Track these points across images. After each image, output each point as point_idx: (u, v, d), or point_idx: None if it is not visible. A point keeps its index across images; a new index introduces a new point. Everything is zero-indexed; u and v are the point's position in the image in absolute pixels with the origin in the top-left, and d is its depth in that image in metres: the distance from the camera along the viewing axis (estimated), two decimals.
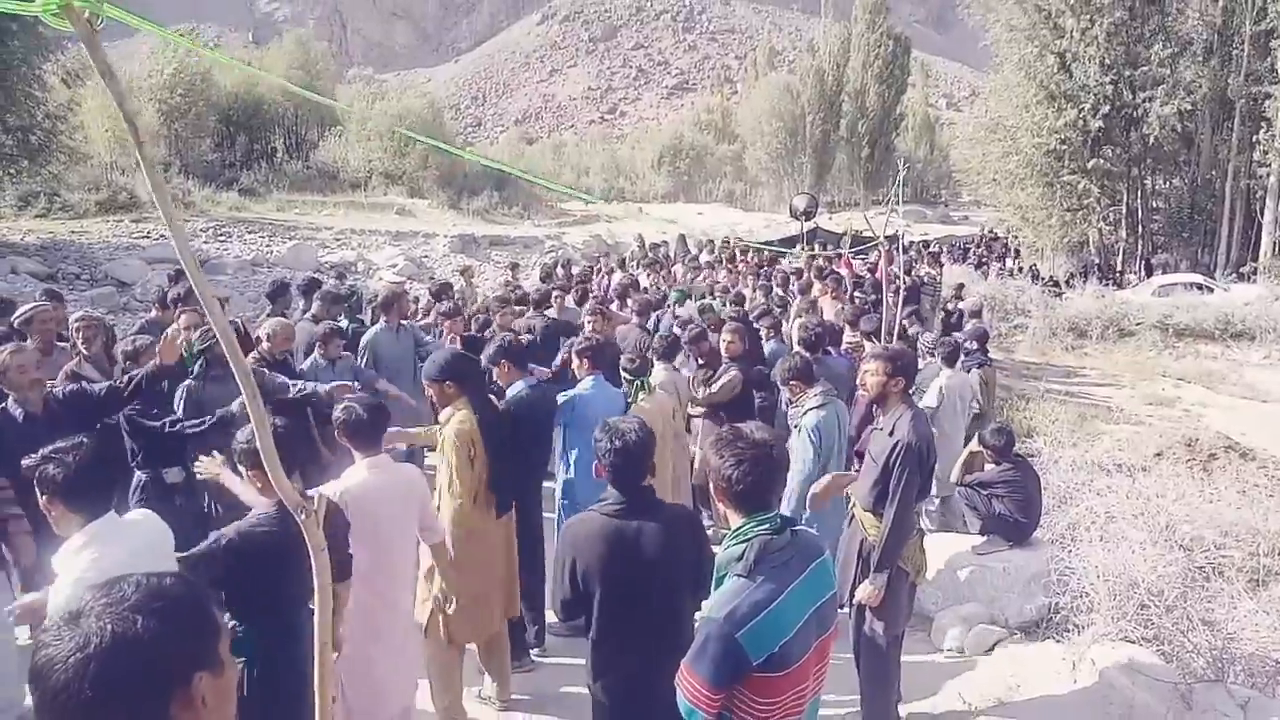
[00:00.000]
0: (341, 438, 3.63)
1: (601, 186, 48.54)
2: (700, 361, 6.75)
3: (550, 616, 5.18)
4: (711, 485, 2.50)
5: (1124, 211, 27.35)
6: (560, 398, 5.07)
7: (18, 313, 5.79)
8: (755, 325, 7.90)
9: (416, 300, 10.62)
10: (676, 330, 7.32)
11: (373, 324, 7.33)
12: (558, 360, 6.77)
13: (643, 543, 2.90)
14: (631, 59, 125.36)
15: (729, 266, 14.70)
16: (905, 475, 3.86)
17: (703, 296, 10.45)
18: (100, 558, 2.44)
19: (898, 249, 13.28)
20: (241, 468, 3.06)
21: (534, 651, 4.95)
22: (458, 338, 6.97)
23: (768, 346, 7.68)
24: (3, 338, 4.88)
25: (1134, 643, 4.53)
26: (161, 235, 21.54)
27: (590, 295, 10.10)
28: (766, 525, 2.37)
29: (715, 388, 6.36)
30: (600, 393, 5.20)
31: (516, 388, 4.91)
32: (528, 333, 7.48)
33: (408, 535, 3.74)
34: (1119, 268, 27.12)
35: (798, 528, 2.49)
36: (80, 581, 2.37)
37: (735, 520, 2.44)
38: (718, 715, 2.33)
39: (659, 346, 6.22)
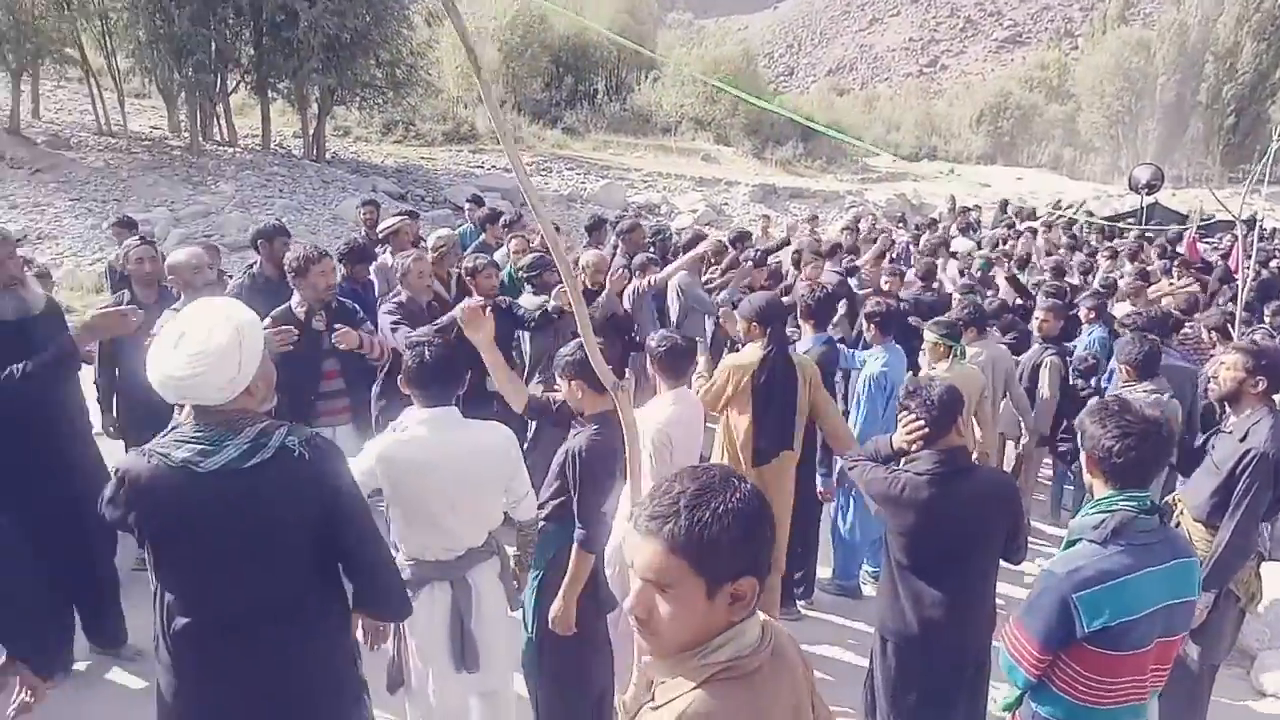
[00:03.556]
0: (653, 366, 3.84)
1: (912, 144, 46.27)
2: (1005, 340, 6.31)
3: (822, 571, 5.20)
4: (1085, 453, 2.39)
5: None
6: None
7: (384, 225, 6.64)
8: (1074, 304, 7.25)
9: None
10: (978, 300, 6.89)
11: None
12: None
13: (955, 505, 2.86)
14: (960, 8, 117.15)
15: (1046, 236, 13.53)
16: (1254, 488, 3.42)
17: (1022, 267, 9.71)
18: (426, 439, 2.79)
19: (1255, 234, 11.54)
20: (563, 380, 3.32)
21: (800, 604, 5.00)
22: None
23: (1091, 330, 7.02)
24: (364, 247, 5.62)
25: None
26: (494, 166, 23.61)
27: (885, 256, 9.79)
28: (1135, 503, 2.28)
29: (1042, 386, 5.88)
30: (890, 358, 5.07)
31: (810, 342, 4.91)
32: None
33: (695, 455, 3.94)
34: None
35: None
36: (396, 440, 2.74)
37: (1101, 491, 2.35)
38: (1038, 679, 2.29)
39: (965, 316, 5.89)
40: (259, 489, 2.07)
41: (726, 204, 23.88)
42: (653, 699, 1.40)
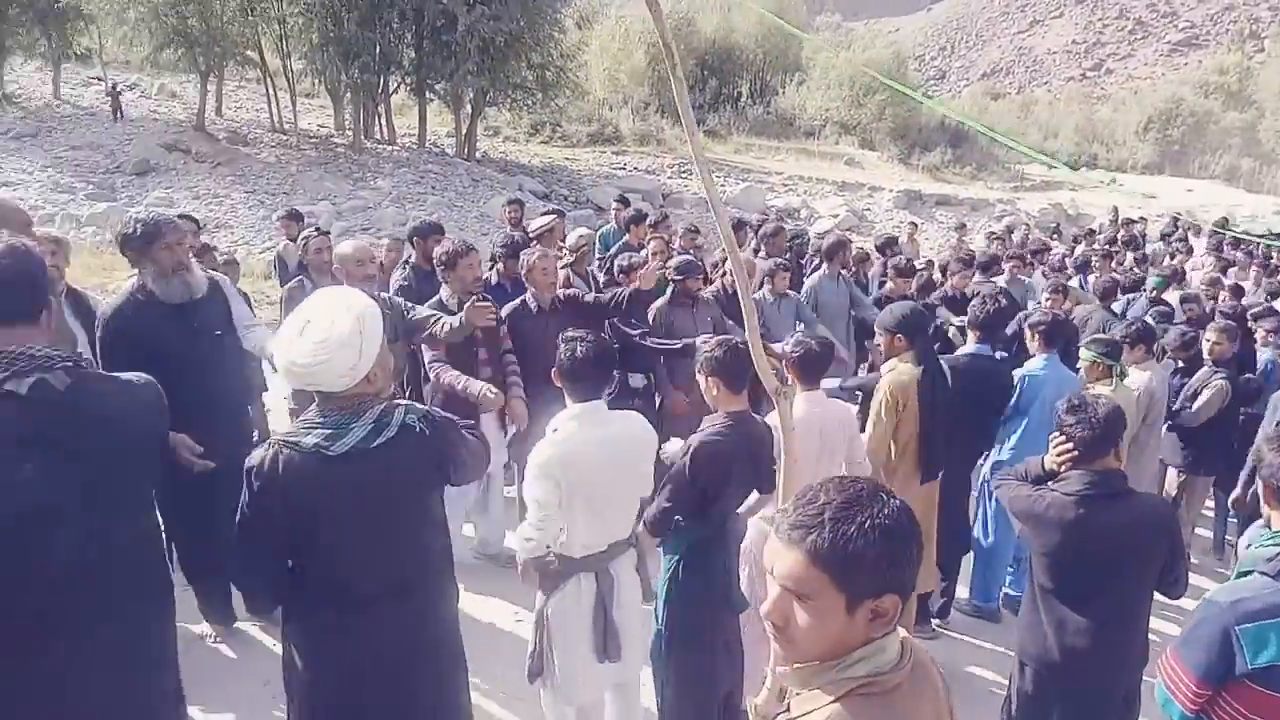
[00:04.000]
0: (790, 369, 3.82)
1: (1071, 151, 43.96)
2: (1179, 364, 5.93)
3: (961, 591, 5.04)
4: (1262, 482, 2.27)
5: None
6: (1017, 374, 4.83)
7: (535, 224, 6.85)
8: (1251, 326, 6.74)
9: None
10: (1150, 320, 6.48)
11: (814, 270, 7.52)
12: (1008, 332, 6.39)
13: (1105, 528, 2.73)
14: (1130, 9, 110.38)
15: (1217, 255, 12.60)
16: None
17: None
18: (577, 433, 2.86)
19: None
20: (702, 376, 3.35)
21: (935, 622, 4.86)
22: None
23: (1263, 354, 6.52)
24: (521, 244, 5.80)
25: None
26: (636, 168, 23.92)
27: (1045, 266, 9.35)
28: None
29: (1199, 404, 5.53)
30: (1053, 373, 4.83)
31: (967, 354, 4.76)
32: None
33: (833, 469, 3.85)
34: None
35: None
36: (555, 445, 2.83)
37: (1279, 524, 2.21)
38: (1195, 715, 2.15)
39: (1129, 333, 5.56)
40: (387, 467, 2.17)
41: (869, 210, 23.37)
42: (788, 709, 1.39)
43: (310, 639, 2.28)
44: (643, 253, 6.57)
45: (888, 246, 9.29)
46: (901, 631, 1.39)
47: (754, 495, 3.40)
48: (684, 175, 24.10)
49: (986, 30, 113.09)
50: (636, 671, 3.25)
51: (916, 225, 15.20)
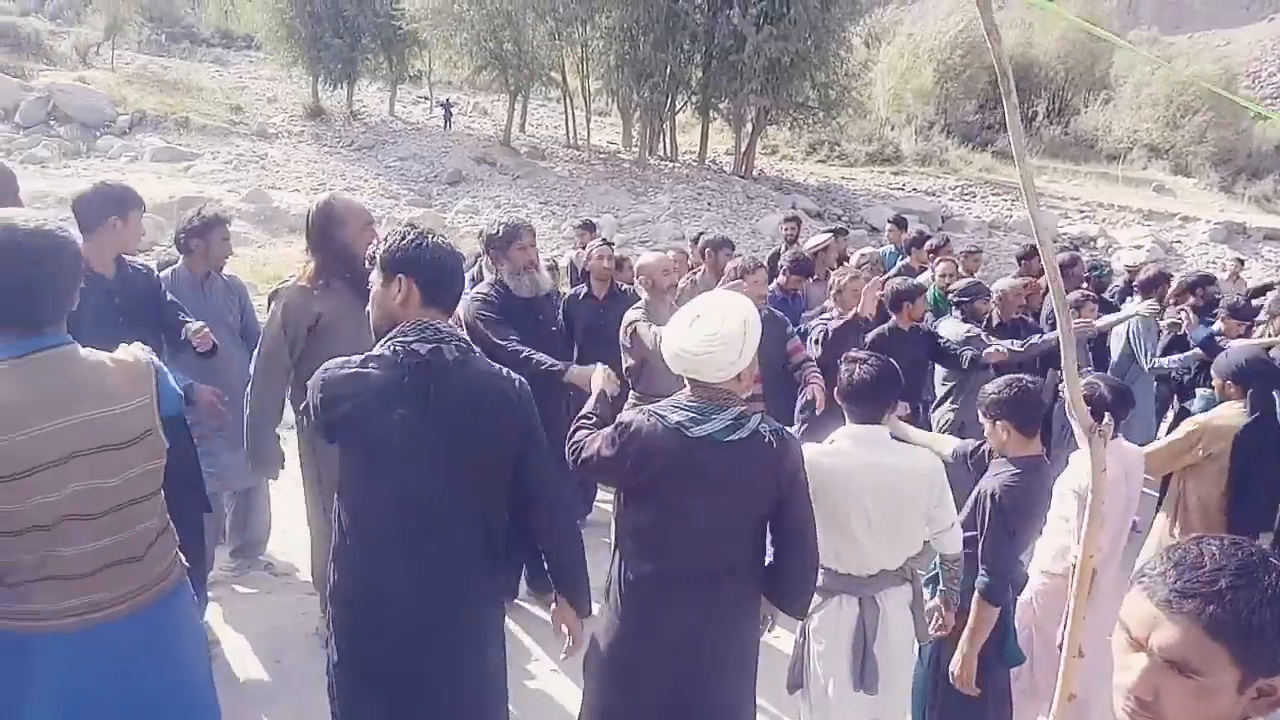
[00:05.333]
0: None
1: None
2: None
3: None
4: None
5: None
6: None
7: (812, 242, 6.91)
8: None
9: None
10: None
11: (1121, 302, 6.95)
12: None
13: None
14: None
15: None
16: None
17: None
18: (847, 451, 2.86)
19: None
20: (988, 420, 3.22)
21: None
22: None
23: None
24: (805, 264, 5.89)
25: None
26: (915, 189, 23.19)
27: None
28: None
29: None
30: None
31: None
32: None
33: (1126, 518, 3.57)
34: None
35: None
36: (823, 451, 2.84)
37: None
38: None
39: None
40: (733, 461, 2.36)
41: (1179, 242, 21.05)
42: None
43: (625, 608, 2.49)
44: (924, 275, 6.42)
45: (1200, 285, 8.35)
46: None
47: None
48: (966, 198, 23.03)
49: None
50: (900, 712, 3.16)
51: (1242, 262, 13.52)
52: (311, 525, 3.53)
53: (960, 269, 7.52)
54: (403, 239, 2.20)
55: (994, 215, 21.60)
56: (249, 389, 3.44)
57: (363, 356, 2.13)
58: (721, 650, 2.52)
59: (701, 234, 7.54)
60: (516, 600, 4.48)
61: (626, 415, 2.45)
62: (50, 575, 1.89)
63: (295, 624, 4.00)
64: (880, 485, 2.80)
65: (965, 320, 5.27)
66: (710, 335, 2.33)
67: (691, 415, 2.36)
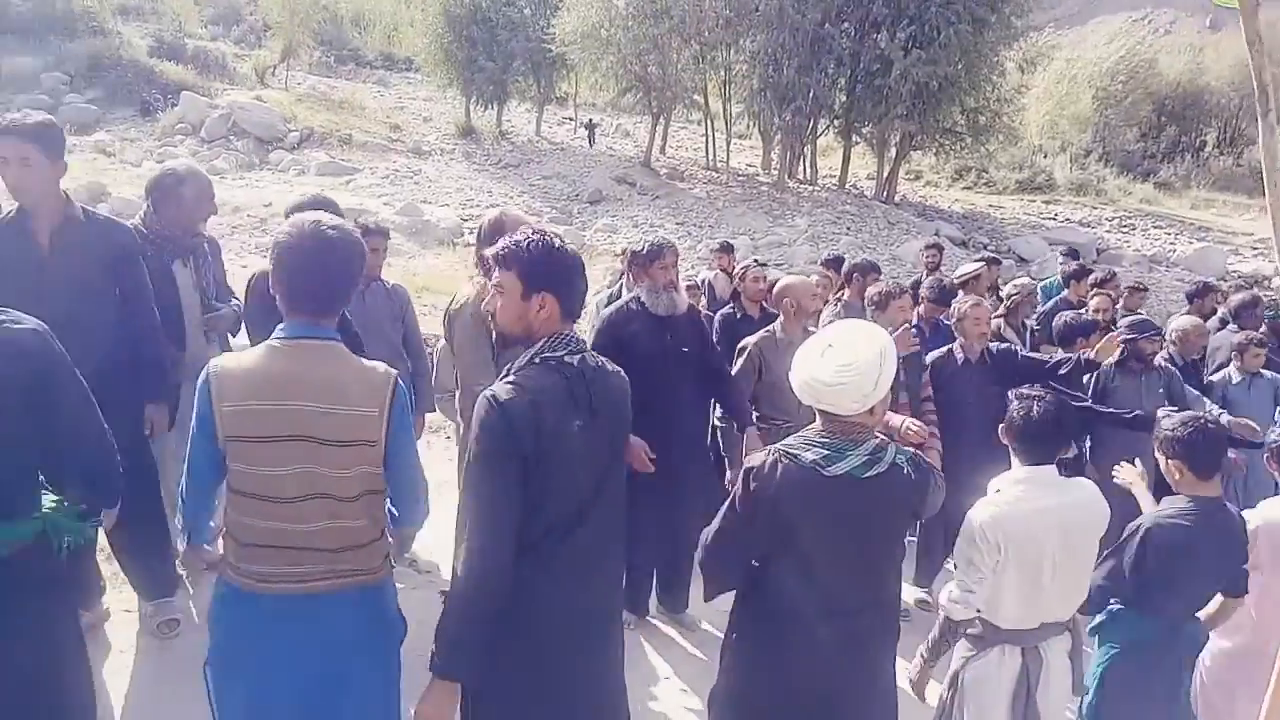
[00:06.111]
0: (1270, 461, 3.35)
1: None
2: None
3: None
4: None
5: None
6: None
7: (963, 270, 6.67)
8: None
9: None
10: None
11: None
12: None
13: None
14: None
15: None
16: None
17: None
18: (1023, 498, 2.72)
19: None
20: (1162, 456, 3.04)
21: None
22: None
23: None
24: (949, 292, 5.69)
25: None
26: (1067, 219, 22.16)
27: None
28: None
29: None
30: None
31: None
32: None
33: None
34: None
35: None
36: (1000, 506, 2.71)
37: None
38: None
39: None
40: (873, 498, 2.27)
41: None
42: None
43: (757, 647, 2.43)
44: (1087, 311, 6.10)
45: None
46: None
47: (1218, 599, 3.00)
48: (1124, 230, 21.81)
49: None
50: None
51: None
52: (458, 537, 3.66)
53: (1120, 305, 7.13)
54: (546, 254, 2.17)
55: (1155, 249, 20.36)
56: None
57: (524, 375, 2.14)
58: (861, 690, 2.45)
59: (837, 256, 7.39)
60: (648, 617, 4.49)
61: (754, 458, 2.36)
62: (272, 543, 2.11)
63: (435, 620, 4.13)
64: (1065, 528, 2.69)
65: (1127, 360, 4.95)
66: (845, 365, 2.24)
67: (826, 453, 2.27)
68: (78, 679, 2.32)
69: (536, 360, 2.16)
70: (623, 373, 2.36)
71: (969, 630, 2.80)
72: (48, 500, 2.20)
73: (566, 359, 2.17)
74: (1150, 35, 33.39)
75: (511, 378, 2.13)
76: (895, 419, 3.82)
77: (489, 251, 2.29)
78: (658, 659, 4.22)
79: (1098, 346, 4.63)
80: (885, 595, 2.44)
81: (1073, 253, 9.11)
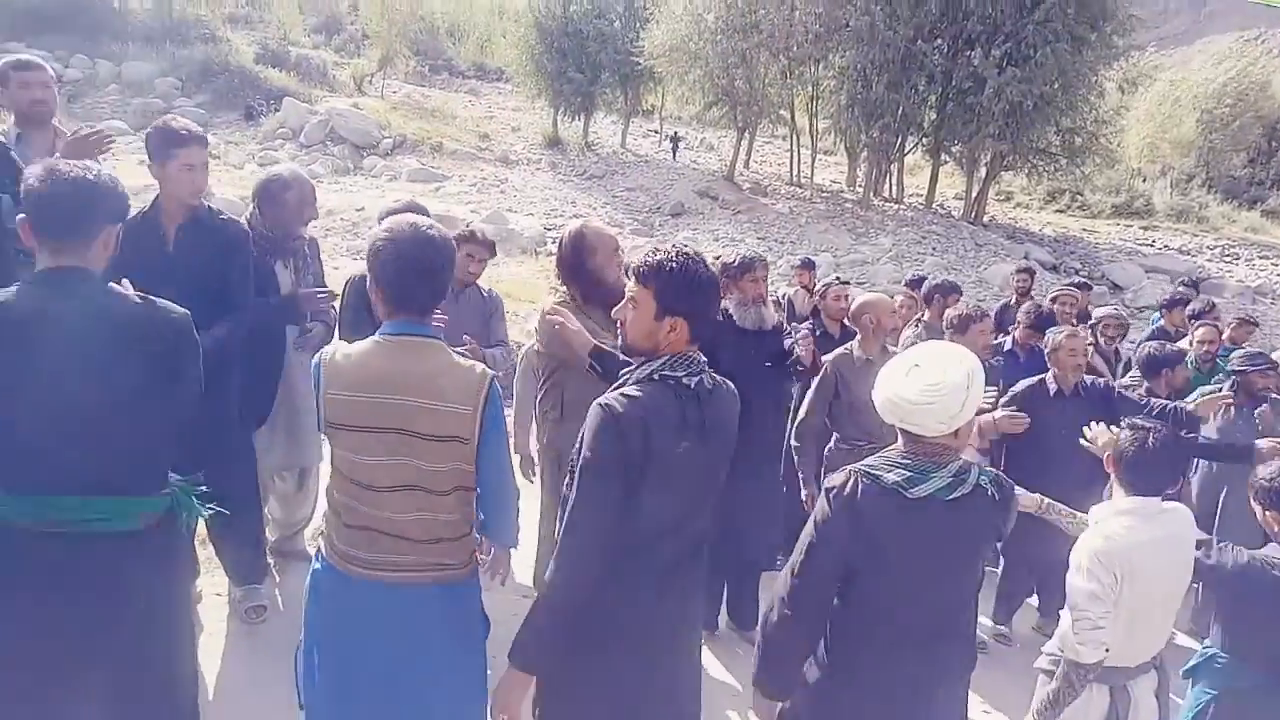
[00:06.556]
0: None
1: None
2: None
3: None
4: None
5: None
6: None
7: (1054, 295, 6.51)
8: None
9: None
10: None
11: None
12: None
13: None
14: None
15: None
16: None
17: None
18: (1132, 529, 2.64)
19: None
20: (1259, 506, 2.92)
21: None
22: None
23: None
24: (1046, 318, 5.54)
25: None
26: (1166, 246, 21.34)
27: None
28: None
29: None
30: None
31: None
32: None
33: None
34: None
35: None
36: (1111, 538, 2.65)
37: None
38: None
39: None
40: (958, 521, 2.22)
41: None
42: None
43: (832, 675, 2.37)
44: (1184, 343, 5.87)
45: None
46: None
47: None
48: (1227, 259, 20.89)
49: None
50: None
51: None
52: (541, 535, 3.71)
53: (1226, 338, 6.83)
54: (685, 278, 2.15)
55: (1260, 280, 19.44)
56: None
57: (640, 389, 2.15)
58: (941, 715, 2.41)
59: (921, 277, 7.26)
60: (715, 634, 4.50)
61: (835, 477, 2.30)
62: (367, 526, 2.20)
63: (509, 624, 4.19)
64: (1162, 563, 2.62)
65: (1235, 390, 4.74)
66: (932, 385, 2.19)
67: (909, 475, 2.22)
68: (191, 650, 2.45)
69: (655, 377, 2.17)
70: (734, 390, 2.37)
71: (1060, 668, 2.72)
72: (173, 478, 2.32)
73: (685, 380, 2.17)
74: (1263, 56, 31.88)
75: (628, 390, 2.14)
76: (984, 418, 3.78)
77: (631, 260, 2.34)
78: (727, 675, 4.18)
79: (1199, 403, 4.44)
80: (963, 624, 2.40)
81: (1193, 283, 8.66)
